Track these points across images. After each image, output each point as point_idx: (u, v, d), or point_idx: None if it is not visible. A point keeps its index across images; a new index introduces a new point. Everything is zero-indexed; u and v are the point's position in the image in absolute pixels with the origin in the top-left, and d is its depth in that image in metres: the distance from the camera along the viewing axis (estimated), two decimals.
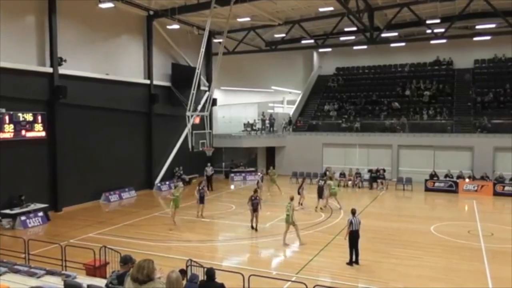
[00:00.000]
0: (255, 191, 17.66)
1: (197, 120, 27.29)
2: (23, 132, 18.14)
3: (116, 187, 23.20)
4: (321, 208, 20.28)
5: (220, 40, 26.30)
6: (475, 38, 28.76)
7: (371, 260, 12.88)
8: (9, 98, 17.61)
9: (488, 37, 27.60)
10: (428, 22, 26.39)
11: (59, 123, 19.89)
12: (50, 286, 8.14)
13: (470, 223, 17.82)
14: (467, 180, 25.30)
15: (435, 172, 26.66)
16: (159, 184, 26.36)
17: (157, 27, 26.02)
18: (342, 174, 28.16)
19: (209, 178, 26.12)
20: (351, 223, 12.58)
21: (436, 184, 25.57)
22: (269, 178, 25.06)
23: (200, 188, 18.84)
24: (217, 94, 30.77)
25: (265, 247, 14.76)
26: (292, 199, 15.05)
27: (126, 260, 7.01)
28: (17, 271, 9.11)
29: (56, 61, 19.56)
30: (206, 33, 22.23)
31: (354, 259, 12.48)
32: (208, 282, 7.78)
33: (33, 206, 18.00)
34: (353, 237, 12.51)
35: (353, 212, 12.90)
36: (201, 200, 18.66)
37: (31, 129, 18.49)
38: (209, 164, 26.63)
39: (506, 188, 24.10)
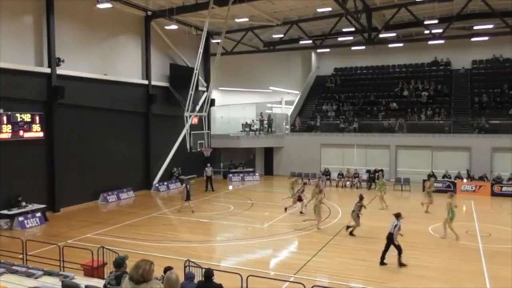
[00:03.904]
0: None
1: (195, 121, 27.25)
2: (21, 132, 18.09)
3: (114, 188, 23.17)
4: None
5: (218, 41, 26.31)
6: (473, 39, 28.80)
7: (369, 260, 12.89)
8: (7, 99, 17.59)
9: (486, 38, 27.66)
10: (426, 22, 26.41)
11: (57, 123, 19.86)
12: (48, 286, 8.12)
13: (468, 223, 17.83)
14: (465, 180, 25.34)
15: (433, 172, 26.70)
16: (157, 185, 26.33)
17: (155, 27, 26.00)
18: (340, 175, 28.18)
19: (209, 179, 26.13)
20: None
21: (434, 184, 25.51)
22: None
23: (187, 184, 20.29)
24: (215, 94, 30.74)
25: (263, 247, 14.75)
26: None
27: (119, 264, 7.02)
28: (15, 272, 9.09)
29: (54, 61, 19.52)
30: (204, 34, 22.24)
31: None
32: (206, 282, 7.77)
33: (31, 207, 17.97)
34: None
35: (396, 215, 12.93)
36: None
37: (29, 129, 18.45)
38: (208, 165, 26.62)
39: (504, 188, 24.16)
